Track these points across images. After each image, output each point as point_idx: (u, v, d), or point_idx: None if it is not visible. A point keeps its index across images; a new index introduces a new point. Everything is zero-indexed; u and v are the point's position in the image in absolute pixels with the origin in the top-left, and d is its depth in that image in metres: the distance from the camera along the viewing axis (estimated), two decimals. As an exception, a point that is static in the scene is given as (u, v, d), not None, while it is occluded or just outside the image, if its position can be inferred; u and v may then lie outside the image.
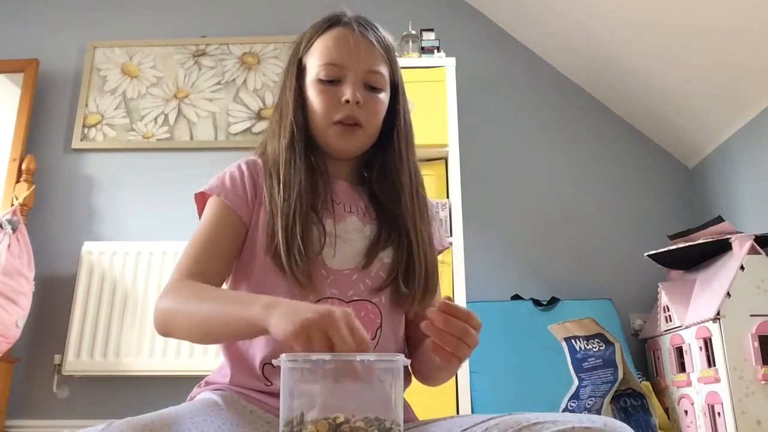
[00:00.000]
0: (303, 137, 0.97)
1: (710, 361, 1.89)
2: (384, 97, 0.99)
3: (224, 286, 0.97)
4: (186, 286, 0.85)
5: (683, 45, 2.22)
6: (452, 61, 2.38)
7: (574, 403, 1.73)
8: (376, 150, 1.02)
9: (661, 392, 2.18)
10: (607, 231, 2.59)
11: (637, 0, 2.20)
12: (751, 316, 1.83)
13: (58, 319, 2.44)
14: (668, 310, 2.12)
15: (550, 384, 1.98)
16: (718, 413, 1.83)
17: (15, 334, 2.21)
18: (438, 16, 2.76)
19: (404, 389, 0.94)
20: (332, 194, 0.98)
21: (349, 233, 0.95)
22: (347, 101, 0.95)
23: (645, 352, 2.36)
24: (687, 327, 2.01)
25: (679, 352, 2.07)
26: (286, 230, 0.89)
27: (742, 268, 1.87)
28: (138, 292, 2.40)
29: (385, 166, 1.01)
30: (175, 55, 2.84)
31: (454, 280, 2.13)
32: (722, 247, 2.01)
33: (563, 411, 1.74)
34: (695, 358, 1.96)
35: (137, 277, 2.42)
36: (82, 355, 2.32)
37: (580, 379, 1.77)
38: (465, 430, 0.76)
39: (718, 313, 1.84)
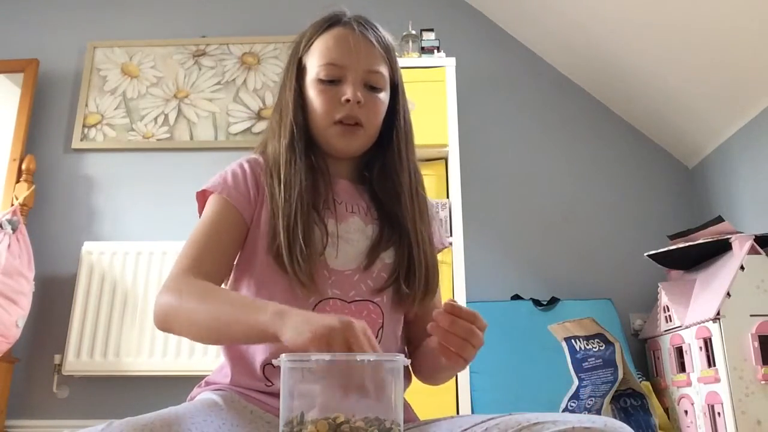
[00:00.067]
0: (303, 137, 0.97)
1: (710, 361, 1.89)
2: (384, 96, 0.99)
3: (224, 284, 0.97)
4: (189, 284, 0.85)
5: (683, 45, 2.22)
6: (452, 61, 2.38)
7: (574, 403, 1.73)
8: (376, 150, 1.02)
9: (661, 392, 2.18)
10: (607, 231, 2.59)
11: (637, 0, 2.20)
12: (751, 316, 1.83)
13: (58, 319, 2.44)
14: (668, 310, 2.12)
15: (550, 384, 1.98)
16: (718, 413, 1.83)
17: (15, 334, 2.21)
18: (438, 16, 2.76)
19: (404, 389, 0.95)
20: (334, 193, 0.98)
21: (351, 233, 0.95)
22: (348, 101, 0.94)
23: (645, 352, 2.36)
24: (687, 327, 2.01)
25: (679, 352, 2.07)
26: (288, 231, 0.89)
27: (742, 268, 1.87)
28: (138, 292, 2.40)
29: (385, 166, 1.01)
30: (175, 55, 2.84)
31: (454, 280, 2.13)
32: (722, 247, 2.01)
33: (563, 411, 1.74)
34: (695, 358, 1.96)
35: (137, 277, 2.42)
36: (82, 355, 2.32)
37: (580, 379, 1.77)
38: (465, 430, 0.76)
39: (718, 313, 1.84)
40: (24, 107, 2.70)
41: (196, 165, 2.67)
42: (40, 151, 2.70)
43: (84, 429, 0.68)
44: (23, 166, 2.57)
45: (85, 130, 2.75)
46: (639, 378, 2.06)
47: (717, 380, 1.84)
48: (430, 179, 2.26)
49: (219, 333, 0.82)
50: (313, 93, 0.97)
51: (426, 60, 2.41)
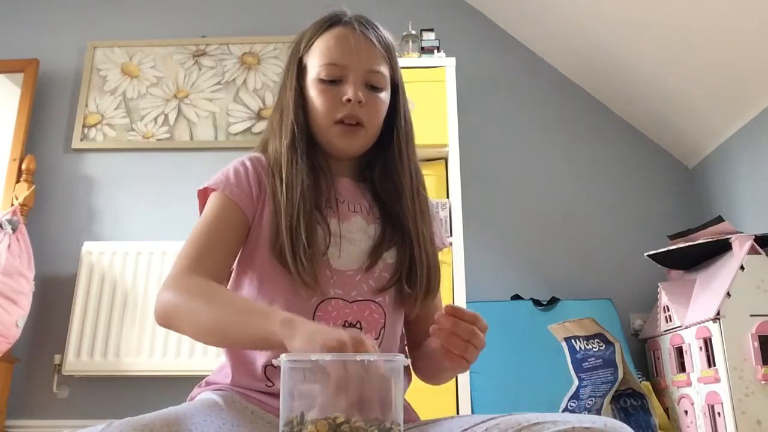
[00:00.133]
0: (304, 136, 0.97)
1: (710, 361, 1.89)
2: (385, 96, 0.99)
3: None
4: (192, 283, 0.84)
5: (683, 45, 2.22)
6: (452, 61, 2.38)
7: (574, 403, 1.73)
8: (377, 149, 1.02)
9: (661, 392, 2.18)
10: (607, 231, 2.59)
11: (637, 0, 2.20)
12: (751, 316, 1.83)
13: (58, 319, 2.44)
14: (668, 310, 2.12)
15: (550, 384, 1.98)
16: (718, 413, 1.83)
17: (15, 334, 2.21)
18: (438, 16, 2.76)
19: (405, 389, 0.95)
20: (336, 192, 0.97)
21: (353, 233, 0.95)
22: (349, 100, 0.94)
23: (645, 352, 2.36)
24: (687, 327, 2.01)
25: (679, 352, 2.07)
26: (291, 230, 0.88)
27: (742, 268, 1.87)
28: (138, 292, 2.40)
29: (386, 166, 1.01)
30: (175, 55, 2.84)
31: (454, 280, 2.12)
32: (722, 247, 2.01)
33: (563, 411, 1.74)
34: (695, 358, 1.96)
35: (137, 277, 2.42)
36: (82, 355, 2.32)
37: (580, 379, 1.77)
38: (465, 430, 0.76)
39: (718, 313, 1.84)
40: (24, 107, 2.70)
41: (196, 165, 2.67)
42: (40, 151, 2.70)
43: (84, 429, 0.68)
44: (23, 166, 2.57)
45: (85, 130, 2.75)
46: (639, 378, 2.06)
47: (717, 380, 1.84)
48: (430, 179, 2.26)
49: (222, 336, 0.82)
50: (314, 93, 0.97)
51: (426, 60, 2.41)
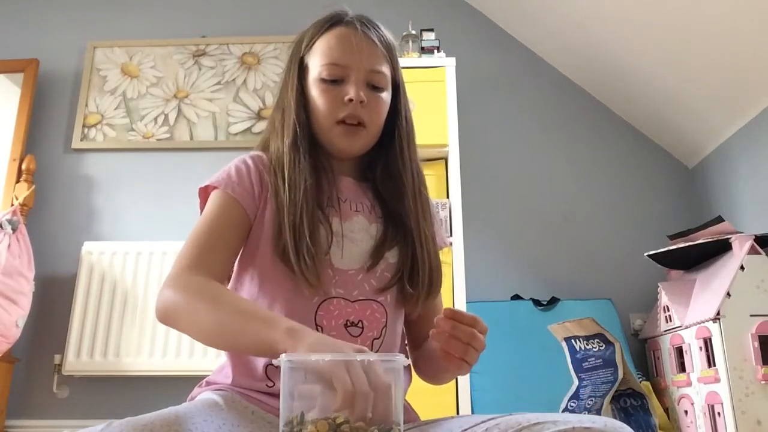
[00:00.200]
0: (306, 136, 0.96)
1: (710, 361, 1.89)
2: (386, 96, 0.99)
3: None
4: (193, 282, 0.84)
5: (683, 45, 2.22)
6: (452, 61, 2.38)
7: (574, 403, 1.73)
8: (378, 149, 1.02)
9: (661, 392, 2.18)
10: (607, 231, 2.59)
11: (637, 0, 2.20)
12: (751, 316, 1.83)
13: (58, 319, 2.44)
14: (668, 310, 2.12)
15: (550, 384, 1.98)
16: (718, 413, 1.83)
17: (15, 334, 2.21)
18: (438, 16, 2.76)
19: (405, 388, 0.95)
20: (338, 191, 0.97)
21: (355, 233, 0.95)
22: (350, 100, 0.94)
23: (645, 352, 2.36)
24: (687, 327, 2.01)
25: (679, 352, 2.07)
26: (294, 230, 0.88)
27: (742, 268, 1.87)
28: (138, 292, 2.40)
29: (387, 166, 1.01)
30: (175, 55, 2.84)
31: (454, 280, 2.12)
32: (722, 247, 2.01)
33: (563, 411, 1.74)
34: (695, 358, 1.96)
35: (137, 277, 2.42)
36: (82, 355, 2.32)
37: (580, 379, 1.76)
38: (465, 430, 0.76)
39: (718, 313, 1.84)
40: (24, 107, 2.70)
41: (196, 165, 2.67)
42: (40, 151, 2.70)
43: (84, 429, 0.68)
44: (23, 166, 2.57)
45: (85, 130, 2.75)
46: (639, 378, 2.06)
47: (717, 380, 1.84)
48: (430, 179, 2.26)
49: (224, 340, 0.82)
50: (315, 92, 0.97)
51: (426, 60, 2.41)
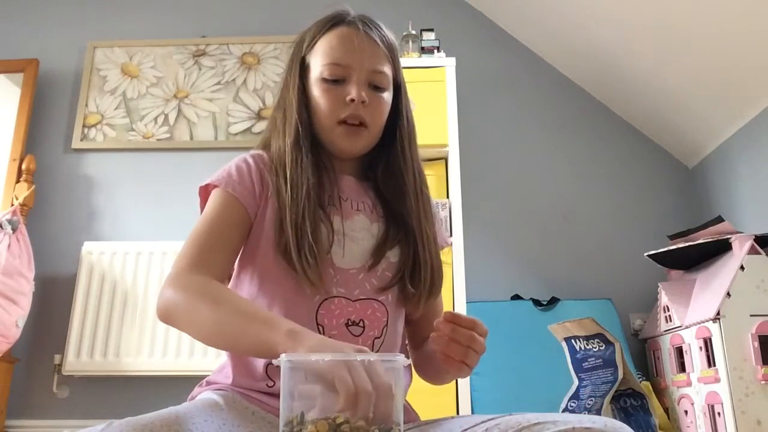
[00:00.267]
0: (308, 135, 0.96)
1: (710, 361, 1.89)
2: (388, 96, 0.99)
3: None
4: (195, 282, 0.84)
5: (683, 45, 2.22)
6: (452, 61, 2.38)
7: (574, 403, 1.73)
8: (380, 149, 1.02)
9: (661, 392, 2.18)
10: (607, 231, 2.59)
11: (637, 1, 2.20)
12: (751, 316, 1.83)
13: (58, 319, 2.44)
14: (668, 310, 2.12)
15: (550, 384, 1.98)
16: (718, 413, 1.83)
17: (15, 334, 2.21)
18: (438, 16, 2.76)
19: (406, 388, 0.95)
20: (339, 190, 0.97)
21: (356, 232, 0.95)
22: (352, 100, 0.94)
23: (645, 352, 2.36)
24: (687, 327, 2.01)
25: (679, 352, 2.07)
26: (296, 229, 0.88)
27: (742, 268, 1.87)
28: (138, 292, 2.40)
29: (389, 166, 1.01)
30: (175, 55, 2.84)
31: (454, 280, 2.12)
32: (722, 247, 2.01)
33: (563, 411, 1.74)
34: (695, 358, 1.96)
35: (137, 277, 2.42)
36: (82, 355, 2.32)
37: (580, 379, 1.76)
38: (465, 430, 0.76)
39: (718, 313, 1.84)
40: (24, 107, 2.70)
41: (196, 165, 2.67)
42: (40, 151, 2.70)
43: (84, 429, 0.68)
44: (23, 166, 2.57)
45: (85, 130, 2.75)
46: (639, 378, 2.06)
47: (717, 380, 1.84)
48: (430, 179, 2.22)
49: (224, 340, 0.81)
50: (317, 92, 0.97)
51: (426, 60, 2.41)
